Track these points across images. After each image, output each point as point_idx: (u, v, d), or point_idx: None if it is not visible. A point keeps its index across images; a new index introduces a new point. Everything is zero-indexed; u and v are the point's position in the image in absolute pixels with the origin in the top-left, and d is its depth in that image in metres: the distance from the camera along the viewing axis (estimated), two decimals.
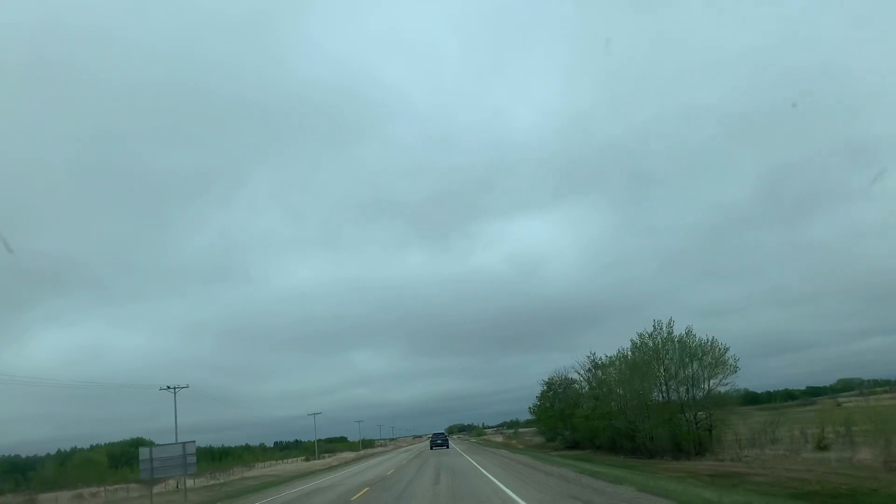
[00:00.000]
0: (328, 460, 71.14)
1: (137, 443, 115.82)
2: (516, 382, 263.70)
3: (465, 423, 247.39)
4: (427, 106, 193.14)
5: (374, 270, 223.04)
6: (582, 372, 41.21)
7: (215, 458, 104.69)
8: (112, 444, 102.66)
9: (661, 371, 27.84)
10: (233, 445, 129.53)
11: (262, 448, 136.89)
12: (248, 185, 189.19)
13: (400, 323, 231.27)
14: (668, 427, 26.57)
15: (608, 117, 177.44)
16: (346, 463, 60.37)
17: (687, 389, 27.01)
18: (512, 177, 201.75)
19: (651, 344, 28.50)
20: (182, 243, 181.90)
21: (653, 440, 28.16)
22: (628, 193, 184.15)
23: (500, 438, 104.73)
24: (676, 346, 27.12)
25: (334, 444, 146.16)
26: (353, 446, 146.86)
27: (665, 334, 27.76)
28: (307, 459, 77.09)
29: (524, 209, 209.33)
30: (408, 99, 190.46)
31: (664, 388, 28.06)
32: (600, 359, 38.54)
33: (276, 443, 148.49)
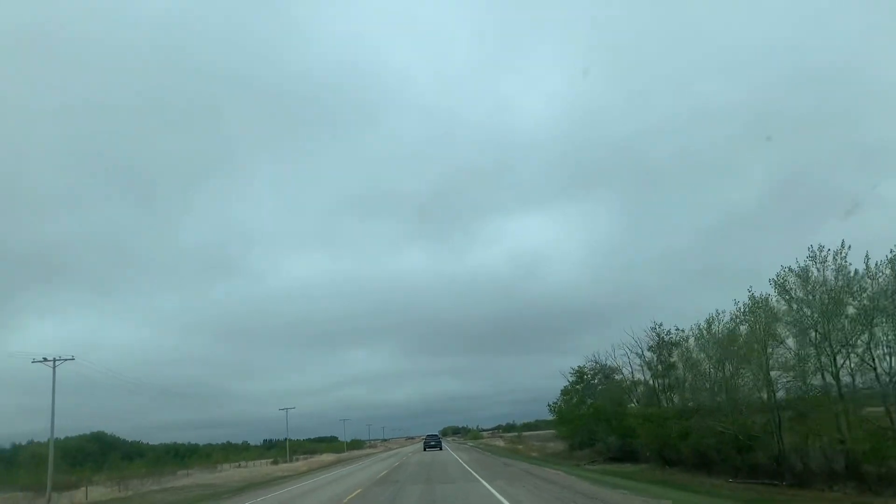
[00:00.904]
0: (298, 464, 59.15)
1: (98, 437, 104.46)
2: (512, 385, 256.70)
3: (460, 426, 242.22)
4: (432, 93, 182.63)
5: (372, 267, 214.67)
6: (639, 353, 29.21)
7: (179, 455, 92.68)
8: (69, 439, 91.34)
9: (830, 335, 15.71)
10: (218, 443, 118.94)
11: (245, 446, 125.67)
12: (246, 172, 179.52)
13: (396, 322, 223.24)
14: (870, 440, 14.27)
15: (619, 114, 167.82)
16: (316, 469, 48.42)
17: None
18: (516, 172, 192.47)
19: (809, 287, 16.26)
20: (176, 233, 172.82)
21: (802, 457, 16.38)
22: (635, 193, 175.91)
23: (500, 442, 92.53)
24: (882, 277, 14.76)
25: (318, 445, 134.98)
26: (340, 447, 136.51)
27: (846, 268, 15.48)
28: (275, 462, 64.95)
29: (527, 207, 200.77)
30: (413, 85, 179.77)
31: (832, 364, 15.95)
32: (672, 332, 26.55)
33: (265, 440, 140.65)
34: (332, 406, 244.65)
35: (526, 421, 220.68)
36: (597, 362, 34.57)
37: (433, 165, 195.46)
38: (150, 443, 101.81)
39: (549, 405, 40.64)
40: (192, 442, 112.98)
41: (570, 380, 37.76)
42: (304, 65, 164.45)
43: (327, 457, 74.70)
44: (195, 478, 41.42)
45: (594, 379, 35.78)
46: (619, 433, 30.47)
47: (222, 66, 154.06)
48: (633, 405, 30.64)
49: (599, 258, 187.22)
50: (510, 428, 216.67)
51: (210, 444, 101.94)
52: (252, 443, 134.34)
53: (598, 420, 32.53)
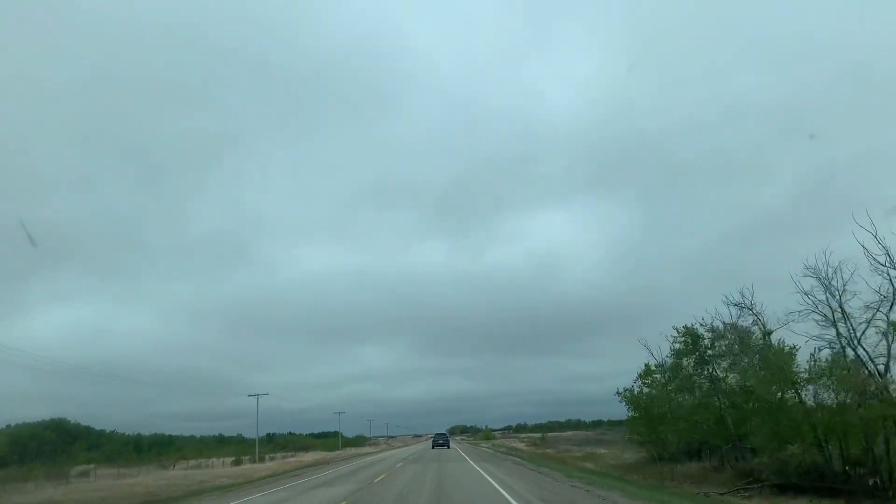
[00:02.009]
0: (263, 466, 45.42)
1: (58, 425, 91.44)
2: (522, 387, 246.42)
3: (468, 425, 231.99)
4: (455, 77, 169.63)
5: (387, 261, 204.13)
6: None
7: (140, 448, 78.96)
8: (22, 426, 78.77)
9: None
10: (211, 435, 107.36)
11: (240, 439, 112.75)
12: (260, 156, 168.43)
13: (408, 318, 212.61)
14: None
15: (650, 107, 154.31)
16: (278, 475, 34.88)
17: None
18: (540, 166, 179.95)
19: None
20: (186, 218, 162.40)
21: None
22: (660, 191, 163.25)
23: (520, 444, 77.89)
24: None
25: (316, 441, 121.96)
26: (347, 443, 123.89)
27: None
28: (237, 462, 50.97)
29: (549, 202, 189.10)
30: (436, 68, 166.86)
31: None
32: None
33: (267, 434, 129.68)
34: (339, 401, 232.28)
35: (538, 422, 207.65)
36: (723, 323, 19.96)
37: (454, 154, 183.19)
38: (143, 433, 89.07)
39: (619, 392, 26.02)
40: (192, 434, 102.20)
41: (677, 346, 23.08)
42: (320, 43, 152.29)
43: (311, 456, 60.69)
44: (72, 487, 27.47)
45: (712, 346, 21.27)
46: (787, 437, 15.99)
47: (235, 43, 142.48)
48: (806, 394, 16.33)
49: (619, 260, 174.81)
50: (521, 428, 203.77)
51: (194, 437, 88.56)
52: (250, 436, 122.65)
53: (743, 413, 17.82)
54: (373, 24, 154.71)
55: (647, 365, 25.54)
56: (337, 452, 70.25)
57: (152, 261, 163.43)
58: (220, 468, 44.85)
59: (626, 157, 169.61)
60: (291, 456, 63.95)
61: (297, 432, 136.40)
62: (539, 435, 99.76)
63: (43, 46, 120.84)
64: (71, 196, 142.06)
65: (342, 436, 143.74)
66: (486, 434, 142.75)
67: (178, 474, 38.15)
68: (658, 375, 24.98)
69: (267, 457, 57.20)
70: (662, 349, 24.67)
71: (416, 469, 28.85)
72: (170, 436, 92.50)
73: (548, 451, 53.94)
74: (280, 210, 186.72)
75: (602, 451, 38.98)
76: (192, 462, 55.76)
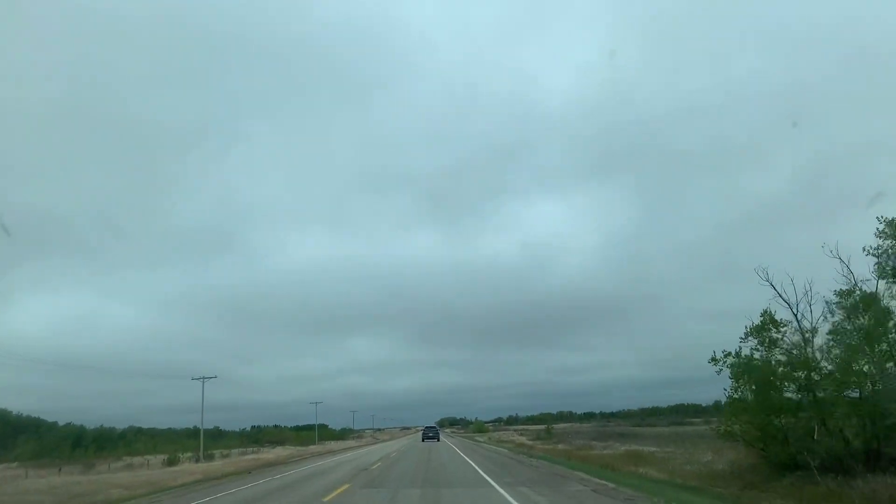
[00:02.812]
0: (200, 467, 35.33)
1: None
2: (512, 379, 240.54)
3: (457, 417, 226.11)
4: (452, 59, 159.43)
5: (378, 250, 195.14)
6: None
7: (83, 442, 68.09)
8: None
9: None
10: (209, 427, 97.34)
11: (217, 432, 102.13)
12: (248, 140, 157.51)
13: (399, 310, 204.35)
14: None
15: (650, 92, 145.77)
16: (203, 483, 24.99)
17: None
18: (536, 152, 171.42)
19: None
20: (173, 205, 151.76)
21: None
22: (660, 179, 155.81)
23: (520, 438, 68.11)
24: None
25: (291, 434, 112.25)
26: (332, 436, 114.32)
27: None
28: (171, 462, 40.61)
29: (546, 190, 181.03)
30: (431, 49, 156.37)
31: None
32: None
33: (252, 426, 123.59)
34: (327, 393, 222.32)
35: (530, 414, 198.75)
36: None
37: (449, 139, 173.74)
38: (87, 426, 78.34)
39: (718, 359, 15.81)
40: (171, 427, 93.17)
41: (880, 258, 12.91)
42: (311, 22, 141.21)
43: (276, 453, 50.52)
44: None
45: None
46: None
47: (222, 23, 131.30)
48: None
49: (615, 251, 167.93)
50: (513, 420, 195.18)
51: (112, 429, 77.37)
52: (229, 428, 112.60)
53: None
54: (365, 3, 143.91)
55: (766, 313, 15.59)
56: (311, 448, 59.89)
57: (131, 249, 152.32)
58: (142, 469, 34.68)
59: (623, 144, 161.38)
60: (253, 452, 53.76)
61: (284, 425, 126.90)
62: (542, 427, 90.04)
63: (21, 26, 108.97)
64: (49, 181, 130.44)
65: (328, 428, 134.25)
66: (479, 426, 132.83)
67: (71, 480, 27.92)
68: (787, 329, 15.12)
69: (219, 454, 46.81)
70: (807, 287, 14.81)
71: (399, 468, 18.80)
72: (120, 429, 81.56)
73: (559, 446, 44.21)
74: (268, 197, 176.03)
75: (652, 449, 29.16)
76: (126, 461, 45.64)
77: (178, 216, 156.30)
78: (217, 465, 38.27)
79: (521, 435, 79.42)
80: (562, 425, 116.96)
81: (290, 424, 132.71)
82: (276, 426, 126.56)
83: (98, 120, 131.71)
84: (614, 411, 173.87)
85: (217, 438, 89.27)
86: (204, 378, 46.88)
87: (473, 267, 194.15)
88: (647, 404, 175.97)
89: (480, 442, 64.22)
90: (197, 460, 39.77)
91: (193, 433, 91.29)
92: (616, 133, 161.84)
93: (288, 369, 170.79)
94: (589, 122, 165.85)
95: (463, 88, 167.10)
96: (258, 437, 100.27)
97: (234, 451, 52.87)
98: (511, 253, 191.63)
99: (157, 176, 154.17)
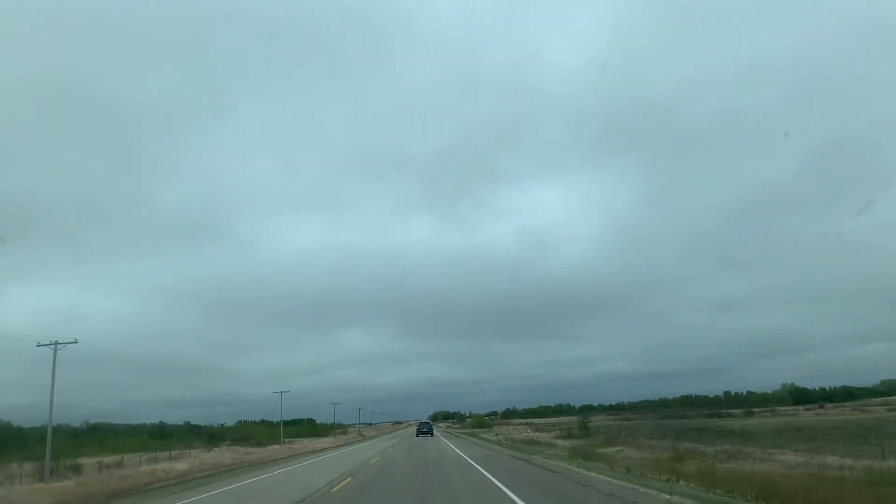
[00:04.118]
0: (172, 466, 25.46)
1: None
2: (507, 372, 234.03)
3: (451, 411, 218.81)
4: (450, 33, 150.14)
5: (371, 238, 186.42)
6: None
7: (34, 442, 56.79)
8: None
9: None
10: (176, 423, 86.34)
11: (209, 428, 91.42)
12: (234, 117, 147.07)
13: (392, 301, 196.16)
14: None
15: (657, 65, 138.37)
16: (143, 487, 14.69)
17: None
18: (537, 130, 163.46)
19: None
20: (157, 189, 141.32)
21: None
22: (663, 161, 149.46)
23: (541, 434, 58.81)
24: None
25: (257, 430, 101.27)
26: (316, 430, 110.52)
27: None
28: (116, 465, 30.34)
29: (545, 172, 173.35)
30: (428, 22, 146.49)
31: None
32: None
33: (239, 421, 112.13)
34: (316, 387, 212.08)
35: (528, 407, 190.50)
36: None
37: (447, 116, 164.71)
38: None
39: None
40: (162, 420, 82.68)
41: None
42: None
43: (172, 466, 40.10)
44: None
45: None
46: None
47: None
48: None
49: (614, 237, 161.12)
50: (510, 413, 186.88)
51: (90, 423, 66.66)
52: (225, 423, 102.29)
53: None
54: None
55: None
56: (259, 452, 46.94)
57: (111, 235, 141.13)
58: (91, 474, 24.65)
59: (628, 120, 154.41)
60: (228, 449, 43.74)
61: (270, 420, 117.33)
62: (555, 420, 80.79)
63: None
64: (27, 164, 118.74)
65: (318, 423, 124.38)
66: (479, 420, 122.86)
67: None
68: None
69: (96, 465, 33.97)
70: None
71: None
72: (95, 424, 70.53)
73: (638, 453, 34.90)
74: (257, 179, 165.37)
75: (832, 458, 20.03)
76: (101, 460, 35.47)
77: (161, 201, 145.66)
78: (180, 468, 28.41)
79: (537, 431, 70.02)
80: (566, 418, 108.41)
81: (278, 419, 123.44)
82: (263, 420, 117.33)
83: (76, 96, 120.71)
84: (612, 404, 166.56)
85: (160, 437, 75.65)
86: (56, 343, 31.77)
87: (470, 256, 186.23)
88: (642, 397, 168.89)
89: (492, 444, 46.07)
90: (41, 478, 27.13)
91: (159, 430, 79.12)
92: (619, 108, 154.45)
93: (274, 361, 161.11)
94: (591, 97, 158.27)
95: (461, 57, 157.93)
96: (224, 434, 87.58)
97: (146, 457, 39.70)
98: (509, 240, 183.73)
99: (137, 157, 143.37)
